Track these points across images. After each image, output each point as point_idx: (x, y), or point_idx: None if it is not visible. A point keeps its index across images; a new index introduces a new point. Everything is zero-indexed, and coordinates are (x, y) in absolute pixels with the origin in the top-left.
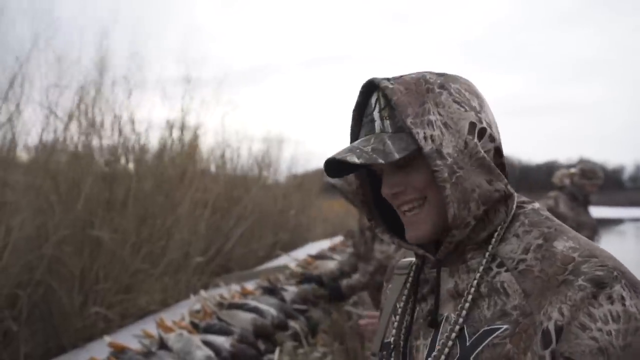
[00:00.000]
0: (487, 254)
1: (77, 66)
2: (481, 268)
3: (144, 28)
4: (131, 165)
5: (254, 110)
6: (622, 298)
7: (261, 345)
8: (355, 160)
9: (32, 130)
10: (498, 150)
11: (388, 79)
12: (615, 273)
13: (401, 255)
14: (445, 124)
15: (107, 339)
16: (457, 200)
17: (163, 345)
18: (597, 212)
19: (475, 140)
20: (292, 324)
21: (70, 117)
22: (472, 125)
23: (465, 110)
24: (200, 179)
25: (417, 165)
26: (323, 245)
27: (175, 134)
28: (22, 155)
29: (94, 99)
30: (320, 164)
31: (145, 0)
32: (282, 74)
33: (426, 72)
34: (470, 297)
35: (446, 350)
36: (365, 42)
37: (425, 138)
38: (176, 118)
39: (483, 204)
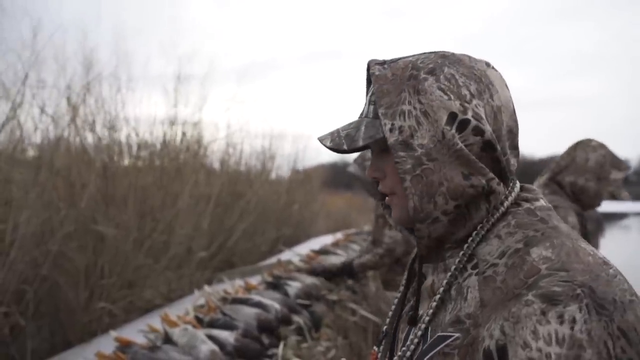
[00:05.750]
0: (462, 253)
1: (75, 65)
2: (452, 268)
3: (144, 27)
4: (131, 161)
5: (256, 105)
6: (574, 320)
7: (265, 340)
8: (327, 144)
9: (36, 127)
10: (489, 144)
11: (383, 62)
12: (578, 291)
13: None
14: (425, 113)
15: (113, 333)
16: (419, 193)
17: (168, 339)
18: (601, 206)
19: (453, 131)
20: (296, 318)
21: (73, 114)
22: (452, 115)
23: (449, 99)
24: (202, 173)
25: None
26: (326, 240)
27: (175, 129)
28: (27, 152)
29: (94, 96)
30: (322, 158)
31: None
32: (282, 70)
33: (430, 53)
34: (438, 297)
35: (412, 347)
36: (362, 37)
37: (391, 129)
38: (175, 114)
39: (453, 199)
